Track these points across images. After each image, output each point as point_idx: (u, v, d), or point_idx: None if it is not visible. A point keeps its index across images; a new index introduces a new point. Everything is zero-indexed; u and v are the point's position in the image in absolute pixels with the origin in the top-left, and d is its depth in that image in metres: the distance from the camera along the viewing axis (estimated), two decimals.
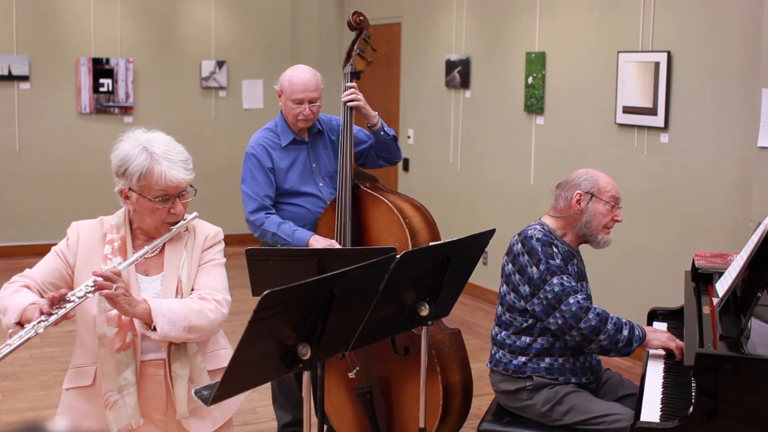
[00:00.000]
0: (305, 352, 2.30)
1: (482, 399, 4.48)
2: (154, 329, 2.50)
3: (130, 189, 2.61)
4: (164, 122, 8.37)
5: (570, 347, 3.26)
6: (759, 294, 2.81)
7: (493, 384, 3.43)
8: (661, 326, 3.61)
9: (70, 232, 2.71)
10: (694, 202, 5.17)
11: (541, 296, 3.19)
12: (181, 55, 8.64)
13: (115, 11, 8.32)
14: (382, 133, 3.95)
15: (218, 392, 2.20)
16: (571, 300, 3.15)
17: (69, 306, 2.40)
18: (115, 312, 2.55)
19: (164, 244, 2.68)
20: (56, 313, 2.38)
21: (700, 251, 3.87)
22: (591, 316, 3.14)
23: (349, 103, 3.88)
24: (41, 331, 2.35)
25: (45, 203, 8.28)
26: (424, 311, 2.90)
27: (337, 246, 3.72)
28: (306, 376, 2.43)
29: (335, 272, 2.31)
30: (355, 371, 3.72)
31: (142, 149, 2.59)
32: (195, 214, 2.70)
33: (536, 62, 6.29)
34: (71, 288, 2.60)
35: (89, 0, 8.21)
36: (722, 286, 3.09)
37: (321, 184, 3.98)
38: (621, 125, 5.61)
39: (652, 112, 5.34)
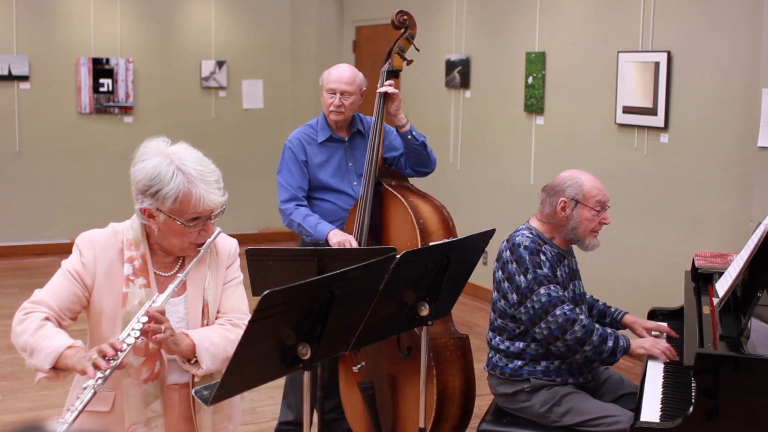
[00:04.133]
0: (305, 352, 2.30)
1: (483, 399, 4.47)
2: (196, 363, 2.40)
3: (158, 209, 2.41)
4: (164, 122, 8.38)
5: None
6: (759, 294, 2.81)
7: (491, 387, 3.43)
8: (661, 326, 3.61)
9: (83, 249, 2.48)
10: (694, 202, 5.17)
11: (528, 305, 3.19)
12: (181, 55, 8.64)
13: (115, 11, 8.32)
14: (409, 137, 3.93)
15: (218, 392, 2.20)
16: (558, 311, 3.15)
17: (121, 355, 2.27)
18: (141, 339, 2.39)
19: (184, 262, 2.54)
20: (110, 366, 2.25)
21: (700, 251, 3.87)
22: (577, 327, 3.14)
23: (384, 87, 3.88)
24: (102, 389, 2.25)
25: (45, 203, 8.27)
26: (424, 311, 2.90)
27: (354, 242, 3.75)
28: (306, 376, 2.43)
29: (335, 272, 2.31)
30: (359, 366, 3.75)
31: (175, 170, 2.39)
32: (218, 230, 2.53)
33: (536, 62, 6.28)
34: (86, 308, 2.49)
35: (89, 0, 8.21)
36: (722, 286, 3.09)
37: (355, 183, 4.03)
38: (621, 125, 5.61)
39: (652, 112, 5.34)
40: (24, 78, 8.04)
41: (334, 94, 3.98)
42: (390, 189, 3.85)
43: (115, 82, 8.33)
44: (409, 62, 4.04)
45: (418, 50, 4.07)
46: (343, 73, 4.01)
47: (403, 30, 4.01)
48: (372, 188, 3.84)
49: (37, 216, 8.25)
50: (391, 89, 3.91)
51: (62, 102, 8.24)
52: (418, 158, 4.00)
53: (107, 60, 8.29)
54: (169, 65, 8.59)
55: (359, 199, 3.89)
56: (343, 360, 3.96)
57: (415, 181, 4.12)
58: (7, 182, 8.13)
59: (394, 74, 3.98)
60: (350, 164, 4.05)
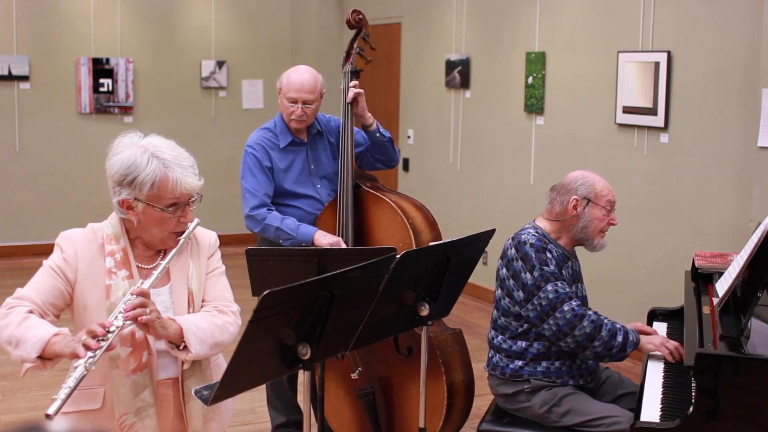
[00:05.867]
0: (305, 352, 2.30)
1: (482, 399, 4.47)
2: (184, 348, 2.41)
3: (136, 199, 2.44)
4: (164, 122, 8.38)
5: (566, 351, 3.25)
6: (759, 294, 2.81)
7: (491, 387, 3.43)
8: (661, 326, 3.62)
9: (64, 246, 2.50)
10: (694, 202, 5.17)
11: (535, 302, 3.18)
12: (181, 55, 8.64)
13: (115, 11, 8.32)
14: (377, 134, 3.94)
15: (218, 392, 2.20)
16: (566, 307, 3.15)
17: (110, 337, 2.28)
18: (127, 330, 2.41)
19: (165, 254, 2.55)
20: (101, 346, 2.26)
21: (700, 251, 3.87)
22: (585, 323, 3.14)
23: (350, 93, 3.84)
24: (93, 368, 2.25)
25: (45, 203, 8.27)
26: (424, 311, 2.90)
27: (343, 244, 3.73)
28: (306, 376, 2.43)
29: (335, 272, 2.31)
30: (357, 372, 3.73)
31: (150, 156, 2.43)
32: (197, 220, 2.56)
33: (536, 62, 6.28)
34: (70, 305, 2.51)
35: (89, 0, 8.22)
36: (722, 286, 3.09)
37: (319, 186, 3.97)
38: (621, 125, 5.61)
39: (652, 112, 5.34)
40: (24, 78, 8.04)
41: (295, 103, 3.83)
42: (371, 191, 3.83)
43: (115, 82, 8.33)
44: (369, 62, 4.04)
45: (373, 49, 4.07)
46: (304, 82, 3.83)
47: (358, 30, 4.01)
48: (351, 192, 3.80)
49: (37, 216, 8.25)
50: (357, 90, 3.86)
51: (62, 102, 8.24)
52: (386, 153, 4.01)
53: (107, 60, 8.29)
54: (169, 65, 8.59)
55: (337, 204, 3.83)
56: (331, 369, 3.91)
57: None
58: (7, 182, 8.13)
59: (356, 74, 3.95)
60: (312, 167, 3.96)
